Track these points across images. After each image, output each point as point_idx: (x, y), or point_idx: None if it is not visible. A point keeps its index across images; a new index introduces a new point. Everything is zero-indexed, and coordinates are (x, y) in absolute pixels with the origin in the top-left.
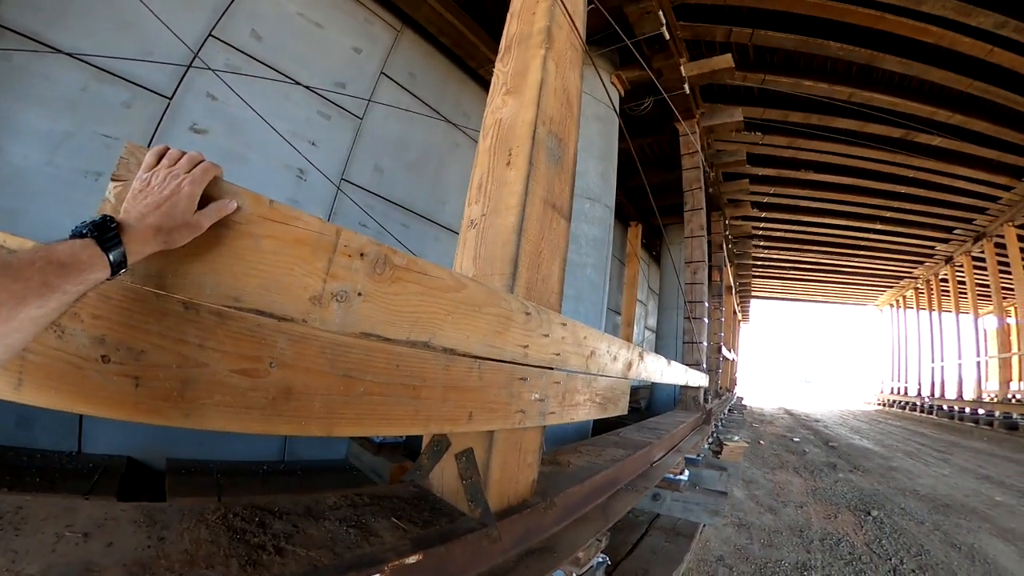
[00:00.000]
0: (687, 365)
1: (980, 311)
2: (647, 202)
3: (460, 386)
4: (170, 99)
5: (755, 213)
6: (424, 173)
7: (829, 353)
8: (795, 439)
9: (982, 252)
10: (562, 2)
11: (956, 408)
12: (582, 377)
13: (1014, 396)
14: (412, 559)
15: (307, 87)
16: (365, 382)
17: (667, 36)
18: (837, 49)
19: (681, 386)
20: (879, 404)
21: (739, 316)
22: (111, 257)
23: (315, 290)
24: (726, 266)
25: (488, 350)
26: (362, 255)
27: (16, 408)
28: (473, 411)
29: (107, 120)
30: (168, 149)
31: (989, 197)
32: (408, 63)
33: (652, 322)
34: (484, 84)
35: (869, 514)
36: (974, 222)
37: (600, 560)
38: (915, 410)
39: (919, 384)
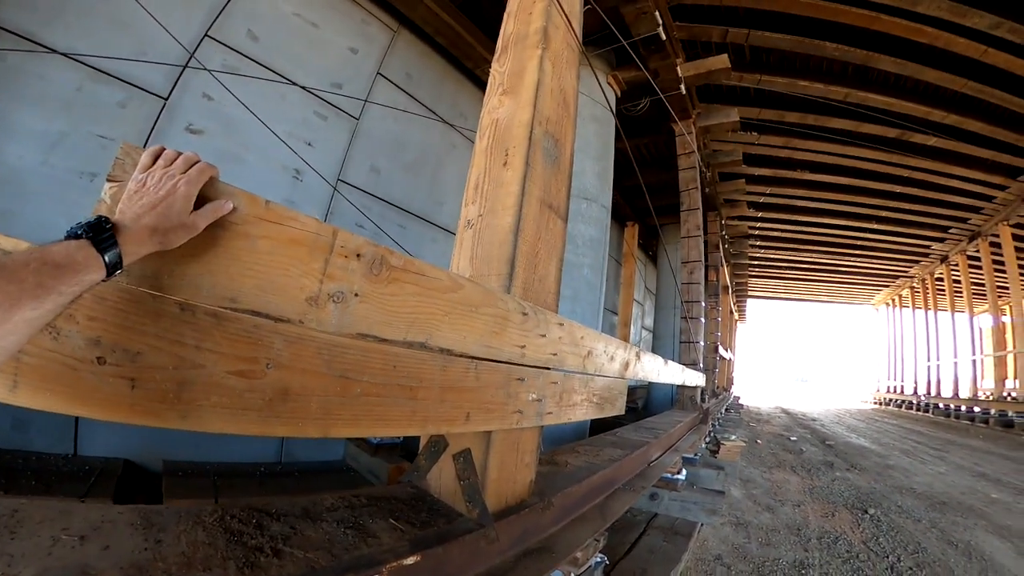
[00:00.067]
0: (684, 365)
1: (975, 310)
2: (644, 202)
3: (457, 387)
4: (166, 99)
5: (751, 213)
6: (421, 174)
7: (826, 352)
8: (792, 438)
9: (977, 251)
10: (559, 2)
11: (952, 406)
12: (579, 377)
13: (1009, 394)
14: (410, 560)
15: (303, 87)
16: (362, 383)
17: (663, 36)
18: (833, 49)
19: (678, 386)
20: (876, 403)
21: (736, 316)
22: (106, 258)
23: (311, 291)
24: (722, 266)
25: (485, 350)
26: (359, 256)
27: (11, 410)
28: (470, 412)
29: (102, 120)
30: (164, 149)
31: (984, 196)
32: (405, 63)
33: (649, 322)
34: (481, 84)
35: (866, 512)
36: (969, 221)
37: (598, 560)
38: (911, 408)
39: (915, 383)
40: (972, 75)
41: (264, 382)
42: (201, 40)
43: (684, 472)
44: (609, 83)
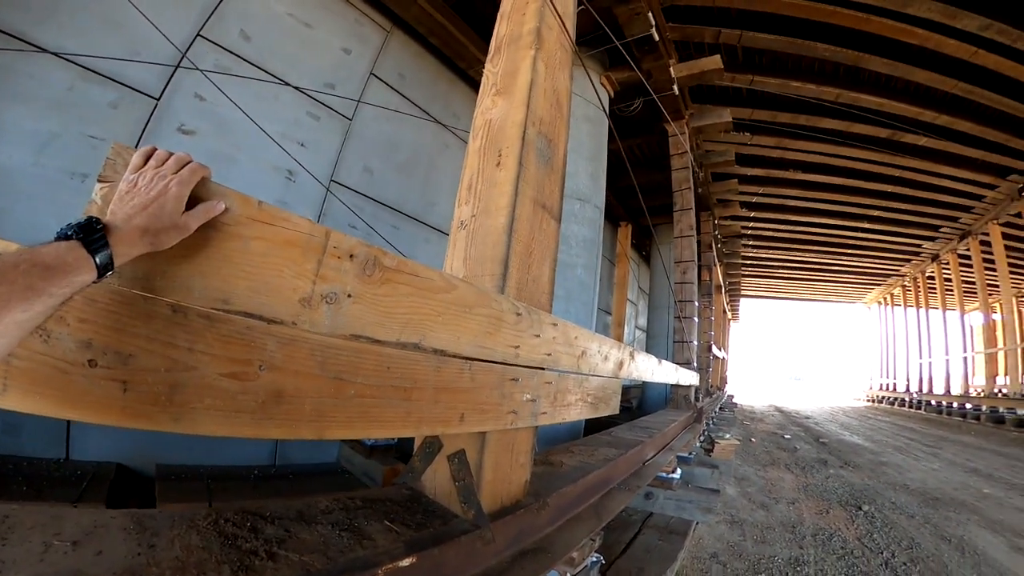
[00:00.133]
0: (678, 364)
1: (966, 307)
2: (637, 202)
3: (451, 387)
4: (158, 100)
5: (744, 213)
6: (414, 174)
7: (819, 351)
8: (786, 436)
9: (968, 250)
10: (552, 3)
11: (944, 403)
12: (573, 377)
13: (1000, 390)
14: (406, 562)
15: (296, 88)
16: (356, 384)
17: (656, 37)
18: (824, 50)
19: (672, 385)
20: (869, 400)
21: (729, 315)
22: (97, 259)
23: (304, 292)
24: (715, 265)
25: (479, 351)
26: (352, 256)
27: (2, 414)
28: (465, 412)
29: (94, 120)
30: (155, 150)
31: (974, 196)
32: (398, 64)
33: (643, 322)
34: (474, 85)
35: (860, 509)
36: (960, 220)
37: (594, 560)
38: (904, 406)
39: (907, 380)
40: (962, 76)
41: (257, 384)
42: (193, 40)
43: (679, 471)
44: (602, 84)
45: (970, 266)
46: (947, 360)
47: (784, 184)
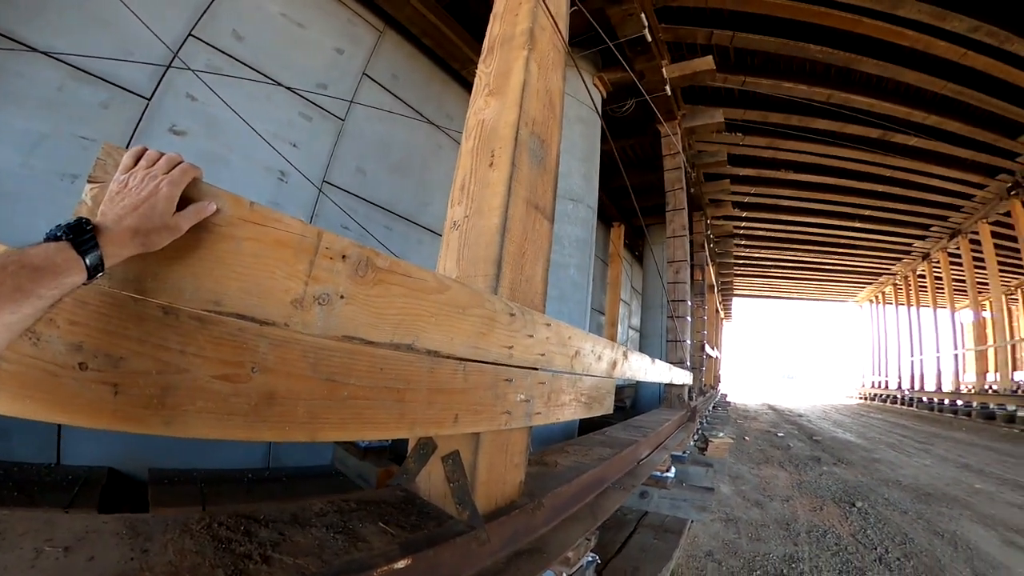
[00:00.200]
0: (671, 363)
1: (957, 305)
2: (629, 203)
3: (445, 388)
4: (149, 100)
5: (736, 213)
6: (407, 175)
7: (811, 349)
8: (779, 434)
9: (958, 248)
10: (545, 4)
11: (935, 400)
12: (567, 377)
13: (990, 387)
14: (401, 564)
15: (289, 88)
16: (349, 386)
17: (649, 38)
18: (816, 51)
19: (666, 384)
20: (861, 398)
21: (722, 314)
22: (87, 261)
23: (296, 293)
24: (708, 265)
25: (473, 352)
26: (344, 257)
27: None
28: (459, 413)
29: (84, 121)
30: (146, 150)
31: (964, 195)
32: (391, 64)
33: (636, 321)
34: (467, 85)
35: (854, 505)
36: (950, 219)
37: (590, 559)
38: (896, 403)
39: (899, 377)
40: (952, 77)
41: (250, 386)
42: (185, 40)
43: (673, 470)
44: (595, 84)
45: (960, 264)
46: (938, 357)
47: (776, 184)
